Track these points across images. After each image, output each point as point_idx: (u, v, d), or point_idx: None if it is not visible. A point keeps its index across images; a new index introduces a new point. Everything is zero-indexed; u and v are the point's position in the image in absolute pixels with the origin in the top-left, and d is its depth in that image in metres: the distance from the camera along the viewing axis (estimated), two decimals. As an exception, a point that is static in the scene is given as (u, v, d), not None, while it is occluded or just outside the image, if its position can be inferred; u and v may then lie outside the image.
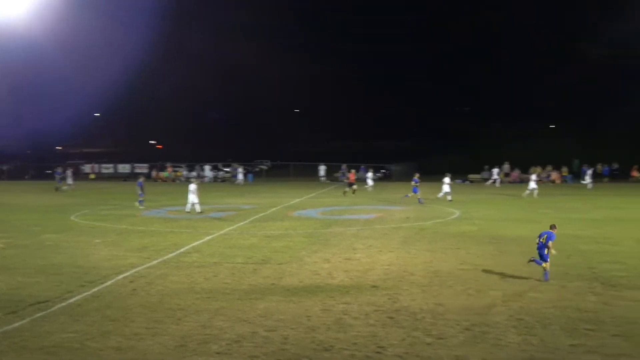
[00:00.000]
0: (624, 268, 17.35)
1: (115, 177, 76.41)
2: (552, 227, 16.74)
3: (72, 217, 32.26)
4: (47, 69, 79.74)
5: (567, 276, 16.49)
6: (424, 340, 11.41)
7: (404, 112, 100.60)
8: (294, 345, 11.18)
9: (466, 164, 67.15)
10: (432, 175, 49.44)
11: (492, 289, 15.36)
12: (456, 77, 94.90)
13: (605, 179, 61.81)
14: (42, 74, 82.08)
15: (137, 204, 36.50)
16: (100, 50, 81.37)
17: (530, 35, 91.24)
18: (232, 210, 35.44)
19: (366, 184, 51.58)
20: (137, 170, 73.78)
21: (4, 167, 78.91)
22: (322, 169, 71.13)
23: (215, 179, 72.19)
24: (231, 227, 27.82)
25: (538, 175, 50.02)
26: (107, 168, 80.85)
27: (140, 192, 36.82)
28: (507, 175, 62.88)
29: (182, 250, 21.51)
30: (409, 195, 39.43)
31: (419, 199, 38.66)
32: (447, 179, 40.75)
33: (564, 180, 64.12)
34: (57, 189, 52.71)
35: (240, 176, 66.60)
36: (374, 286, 15.70)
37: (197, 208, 33.02)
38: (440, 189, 40.69)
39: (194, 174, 69.84)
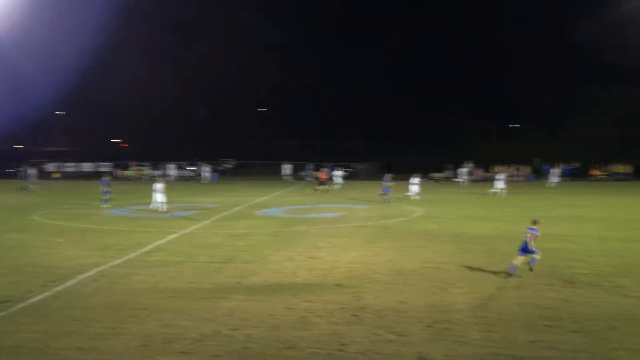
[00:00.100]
0: (583, 265, 17.62)
1: (79, 176, 75.50)
2: (534, 222, 17.00)
3: (35, 217, 31.83)
4: (4, 67, 78.43)
5: (527, 273, 16.70)
6: (386, 338, 11.47)
7: (370, 112, 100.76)
8: (258, 344, 11.16)
9: (430, 163, 67.50)
10: (397, 174, 49.68)
11: (454, 286, 15.50)
12: (422, 77, 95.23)
13: (567, 178, 62.77)
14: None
15: (102, 203, 36.23)
16: (60, 47, 79.87)
17: (494, 36, 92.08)
18: (196, 209, 35.26)
19: (334, 182, 51.70)
20: (101, 169, 73.16)
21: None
22: (287, 168, 71.14)
23: (179, 177, 71.76)
24: (195, 226, 27.68)
25: (506, 175, 50.64)
26: (70, 167, 79.83)
27: (105, 190, 36.55)
28: (470, 174, 63.44)
29: (145, 249, 21.35)
30: (384, 194, 39.55)
31: (386, 198, 38.84)
32: (416, 179, 41.07)
33: (527, 179, 64.98)
34: (23, 188, 51.74)
35: (207, 175, 66.40)
36: (338, 284, 15.74)
37: (164, 207, 32.86)
38: (407, 189, 40.93)
39: (158, 172, 69.31)
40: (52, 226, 28.09)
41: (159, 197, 33.00)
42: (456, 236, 24.18)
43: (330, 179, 50.18)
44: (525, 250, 16.58)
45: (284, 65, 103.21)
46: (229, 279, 16.50)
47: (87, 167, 79.14)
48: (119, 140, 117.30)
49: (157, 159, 76.63)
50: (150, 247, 21.82)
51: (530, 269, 16.71)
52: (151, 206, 33.25)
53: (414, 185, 40.86)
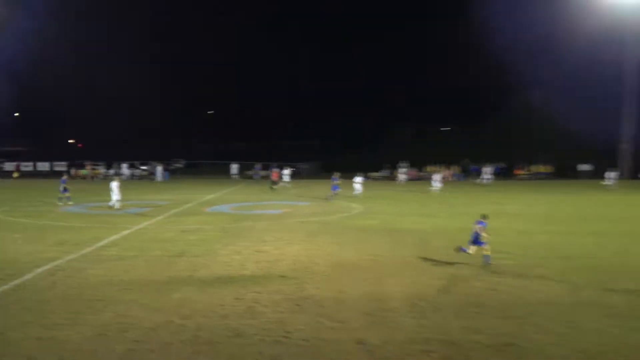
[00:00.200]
0: (507, 257, 17.99)
1: (36, 175, 73.85)
2: (484, 217, 17.33)
3: (-8, 214, 31.12)
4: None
5: (456, 265, 17.03)
6: (327, 325, 11.59)
7: (311, 114, 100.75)
8: (208, 332, 11.16)
9: (368, 163, 68.00)
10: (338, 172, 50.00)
11: (390, 277, 15.70)
12: (361, 81, 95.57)
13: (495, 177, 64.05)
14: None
15: (60, 201, 35.64)
16: (10, 48, 77.40)
17: (428, 44, 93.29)
18: (149, 206, 34.89)
19: (283, 181, 51.90)
20: (56, 169, 71.88)
21: None
22: (234, 167, 70.91)
23: (132, 176, 70.84)
24: (148, 222, 27.40)
25: (443, 175, 51.54)
26: (27, 166, 78.13)
27: (63, 189, 36.00)
28: (405, 173, 64.21)
29: (101, 244, 21.05)
30: (334, 191, 39.74)
31: (328, 195, 39.10)
32: (358, 178, 41.47)
33: (457, 178, 66.06)
34: None
35: (159, 174, 65.77)
36: (282, 276, 15.81)
37: (117, 205, 32.49)
38: (352, 187, 41.27)
39: (112, 171, 68.31)
40: (11, 223, 27.42)
41: (114, 194, 32.61)
42: (392, 231, 24.45)
43: (281, 177, 50.86)
44: (475, 241, 16.97)
45: (230, 71, 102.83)
46: (180, 271, 16.41)
47: (43, 166, 77.52)
48: (74, 141, 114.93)
49: (111, 159, 75.53)
50: (105, 242, 21.53)
51: (485, 264, 16.98)
52: (110, 203, 32.84)
53: (358, 184, 41.28)
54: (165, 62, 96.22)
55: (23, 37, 73.14)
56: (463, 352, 10.21)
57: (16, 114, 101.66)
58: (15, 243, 21.45)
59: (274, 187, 48.34)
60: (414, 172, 66.39)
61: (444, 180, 52.07)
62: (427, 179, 47.78)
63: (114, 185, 32.96)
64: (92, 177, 69.09)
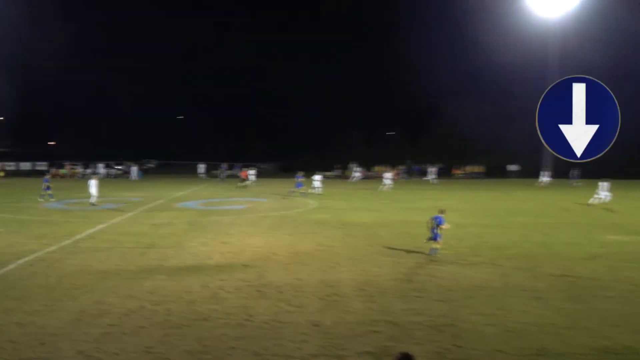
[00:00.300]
0: (444, 247, 18.11)
1: (18, 174, 72.02)
2: (441, 211, 17.43)
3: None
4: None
5: (399, 254, 17.20)
6: (286, 309, 11.58)
7: (272, 119, 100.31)
8: (177, 316, 11.06)
9: (321, 163, 68.10)
10: (293, 172, 49.98)
11: (341, 265, 15.77)
12: (311, 89, 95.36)
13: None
14: None
15: (41, 197, 34.92)
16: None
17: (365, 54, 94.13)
18: (123, 203, 34.33)
19: (249, 180, 51.78)
20: (37, 168, 70.61)
21: None
22: (201, 167, 70.34)
23: (107, 175, 69.69)
24: (122, 217, 26.97)
25: (392, 174, 51.95)
26: (10, 166, 76.30)
27: (46, 187, 35.34)
28: (359, 172, 64.43)
29: (78, 237, 20.66)
30: (294, 190, 39.93)
31: (291, 190, 39.44)
32: (318, 177, 41.71)
33: (402, 177, 66.59)
34: None
35: (134, 173, 64.99)
36: (245, 265, 15.74)
37: (93, 200, 31.92)
38: (312, 186, 41.46)
39: (89, 171, 67.13)
40: (-7, 218, 26.76)
41: (93, 191, 32.02)
42: (343, 224, 24.54)
43: (248, 176, 51.26)
44: (436, 237, 17.02)
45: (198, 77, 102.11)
46: (151, 261, 16.21)
47: (25, 166, 75.88)
48: (54, 143, 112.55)
49: (88, 159, 74.20)
50: (82, 235, 21.14)
51: (429, 254, 17.04)
52: (91, 199, 32.22)
53: (317, 181, 41.49)
54: (137, 65, 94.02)
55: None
56: (406, 332, 10.29)
57: (1, 118, 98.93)
58: (-2, 236, 20.92)
59: (243, 184, 48.67)
60: (364, 172, 66.75)
61: (394, 178, 52.51)
62: (376, 178, 48.02)
63: (93, 182, 32.37)
64: (71, 176, 67.71)
